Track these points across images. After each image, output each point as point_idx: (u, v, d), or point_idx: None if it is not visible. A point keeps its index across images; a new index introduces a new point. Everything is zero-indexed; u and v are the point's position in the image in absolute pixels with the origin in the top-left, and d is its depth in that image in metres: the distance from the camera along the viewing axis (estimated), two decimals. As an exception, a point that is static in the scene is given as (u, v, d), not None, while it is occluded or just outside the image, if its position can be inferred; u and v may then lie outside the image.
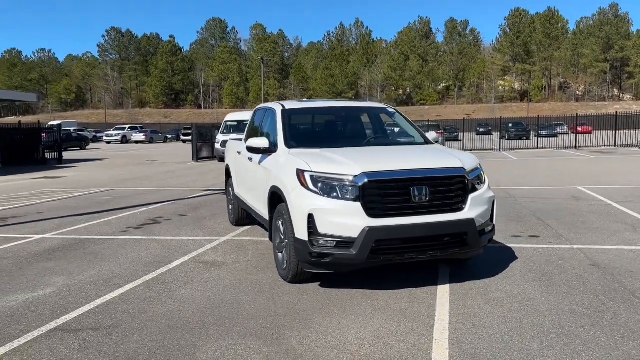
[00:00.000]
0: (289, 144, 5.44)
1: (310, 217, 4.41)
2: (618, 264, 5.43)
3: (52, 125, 55.97)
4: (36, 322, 4.08)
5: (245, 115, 28.66)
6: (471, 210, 4.64)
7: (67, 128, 53.27)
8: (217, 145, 25.09)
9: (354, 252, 4.32)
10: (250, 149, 5.67)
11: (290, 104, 6.25)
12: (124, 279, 5.22)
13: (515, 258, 5.76)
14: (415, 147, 5.66)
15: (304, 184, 4.55)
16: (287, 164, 4.95)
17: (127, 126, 58.97)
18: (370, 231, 4.28)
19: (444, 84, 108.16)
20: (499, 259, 5.69)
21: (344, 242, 4.34)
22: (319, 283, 4.92)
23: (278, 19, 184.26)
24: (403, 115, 6.43)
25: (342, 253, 4.36)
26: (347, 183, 4.41)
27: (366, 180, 4.37)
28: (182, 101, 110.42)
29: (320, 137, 5.98)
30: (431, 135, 6.19)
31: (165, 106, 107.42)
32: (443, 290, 4.67)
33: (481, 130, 47.58)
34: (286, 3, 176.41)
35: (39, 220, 8.93)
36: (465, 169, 4.72)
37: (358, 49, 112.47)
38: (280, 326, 3.90)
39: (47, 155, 26.91)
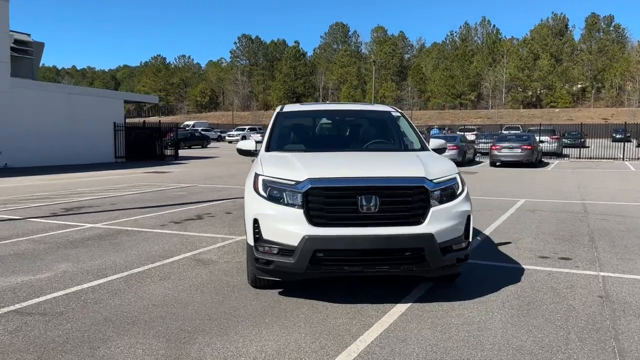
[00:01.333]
0: (269, 147, 5.42)
1: (256, 222, 4.34)
2: (636, 298, 4.57)
3: (187, 125, 61.64)
4: (7, 302, 4.52)
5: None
6: (432, 224, 4.22)
7: (198, 128, 58.53)
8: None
9: (293, 261, 4.17)
10: (239, 151, 5.73)
11: (290, 107, 6.21)
12: (114, 270, 5.58)
13: (517, 281, 5.12)
14: (396, 154, 5.27)
15: (256, 188, 4.49)
16: (253, 167, 4.93)
17: (247, 127, 62.50)
18: (308, 240, 4.10)
19: (579, 85, 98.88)
20: (496, 280, 5.10)
21: (285, 250, 4.20)
22: (281, 290, 4.82)
23: (401, 20, 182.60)
24: (407, 120, 6.02)
25: (282, 261, 4.23)
26: (292, 189, 4.26)
27: (309, 186, 4.19)
28: (303, 104, 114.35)
29: (305, 141, 5.85)
30: (435, 142, 5.75)
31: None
32: (398, 309, 4.31)
33: (617, 136, 42.43)
34: (410, 4, 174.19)
35: (104, 211, 9.87)
36: (427, 179, 4.30)
37: (483, 48, 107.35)
38: (199, 330, 3.89)
39: (167, 152, 29.57)
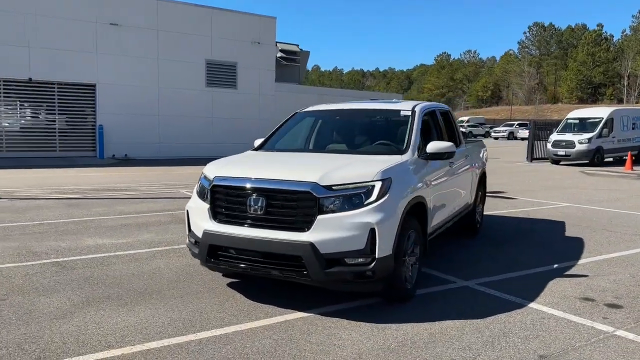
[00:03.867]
0: (261, 146, 5.72)
1: (187, 214, 4.79)
2: (591, 371, 3.23)
3: (461, 120, 62.02)
4: (66, 254, 6.08)
5: (594, 111, 24.62)
6: (316, 232, 3.93)
7: (474, 123, 58.82)
8: (549, 146, 22.84)
9: (197, 253, 4.50)
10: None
11: (316, 106, 6.27)
12: (167, 244, 6.68)
13: (476, 318, 4.14)
14: (347, 157, 4.81)
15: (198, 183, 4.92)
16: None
17: (516, 122, 58.48)
18: (206, 235, 4.36)
19: None
20: (453, 312, 4.26)
21: (197, 242, 4.55)
22: (234, 280, 5.12)
23: None
24: (414, 121, 5.28)
25: (194, 252, 4.60)
26: (206, 186, 4.56)
27: (213, 184, 4.42)
28: (601, 95, 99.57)
29: (297, 141, 5.88)
30: (433, 145, 5.01)
31: (580, 101, 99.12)
32: (287, 317, 4.14)
33: None
34: None
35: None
36: (319, 185, 4.00)
37: None
38: (113, 298, 4.54)
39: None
